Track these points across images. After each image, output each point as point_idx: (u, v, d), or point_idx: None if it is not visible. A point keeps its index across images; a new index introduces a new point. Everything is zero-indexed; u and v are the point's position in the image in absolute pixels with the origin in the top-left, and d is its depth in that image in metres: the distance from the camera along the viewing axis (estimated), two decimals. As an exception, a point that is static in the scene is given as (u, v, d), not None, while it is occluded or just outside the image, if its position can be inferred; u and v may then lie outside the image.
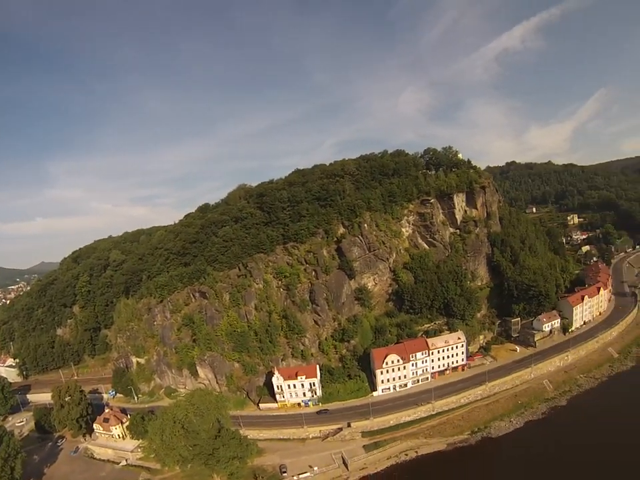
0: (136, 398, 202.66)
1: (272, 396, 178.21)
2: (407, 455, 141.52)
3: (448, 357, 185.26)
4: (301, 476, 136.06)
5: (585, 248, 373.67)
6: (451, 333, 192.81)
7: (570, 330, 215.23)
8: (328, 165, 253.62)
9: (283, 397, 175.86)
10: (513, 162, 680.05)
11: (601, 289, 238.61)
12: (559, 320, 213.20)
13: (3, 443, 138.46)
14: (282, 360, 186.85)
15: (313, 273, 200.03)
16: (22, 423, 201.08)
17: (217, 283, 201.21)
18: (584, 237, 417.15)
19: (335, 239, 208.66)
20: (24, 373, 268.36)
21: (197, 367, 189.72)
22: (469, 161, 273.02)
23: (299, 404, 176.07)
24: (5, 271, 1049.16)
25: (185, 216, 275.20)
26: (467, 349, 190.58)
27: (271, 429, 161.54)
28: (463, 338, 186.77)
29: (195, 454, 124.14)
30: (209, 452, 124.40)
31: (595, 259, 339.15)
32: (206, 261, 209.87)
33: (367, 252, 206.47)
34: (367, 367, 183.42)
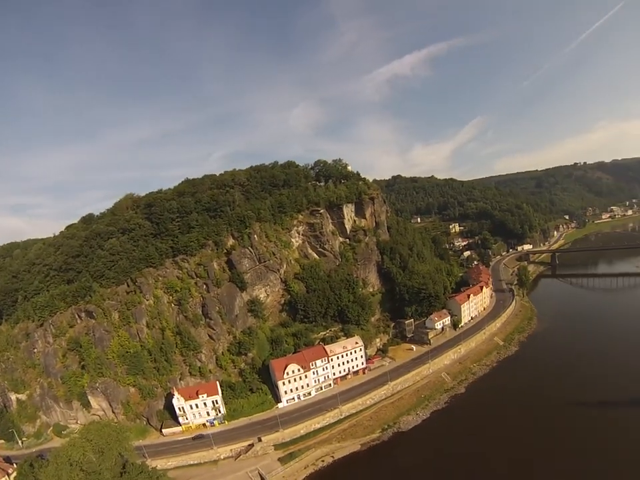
0: (20, 442, 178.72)
1: (174, 419, 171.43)
2: (323, 461, 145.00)
3: (348, 361, 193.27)
4: None
5: (467, 253, 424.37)
6: (347, 338, 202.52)
7: (460, 325, 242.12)
8: (218, 175, 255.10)
9: (186, 418, 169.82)
10: (399, 175, 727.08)
11: (484, 287, 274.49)
12: (449, 317, 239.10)
13: None
14: (180, 379, 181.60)
15: (204, 286, 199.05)
16: None
17: (104, 300, 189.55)
18: (465, 243, 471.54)
19: (225, 250, 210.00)
20: None
21: (89, 397, 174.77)
22: (358, 174, 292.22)
23: (204, 424, 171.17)
24: None
25: (67, 227, 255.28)
26: (366, 353, 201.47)
27: (179, 456, 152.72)
28: (360, 342, 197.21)
29: None
30: None
31: (475, 262, 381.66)
32: (91, 276, 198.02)
33: (258, 263, 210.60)
34: (268, 379, 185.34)
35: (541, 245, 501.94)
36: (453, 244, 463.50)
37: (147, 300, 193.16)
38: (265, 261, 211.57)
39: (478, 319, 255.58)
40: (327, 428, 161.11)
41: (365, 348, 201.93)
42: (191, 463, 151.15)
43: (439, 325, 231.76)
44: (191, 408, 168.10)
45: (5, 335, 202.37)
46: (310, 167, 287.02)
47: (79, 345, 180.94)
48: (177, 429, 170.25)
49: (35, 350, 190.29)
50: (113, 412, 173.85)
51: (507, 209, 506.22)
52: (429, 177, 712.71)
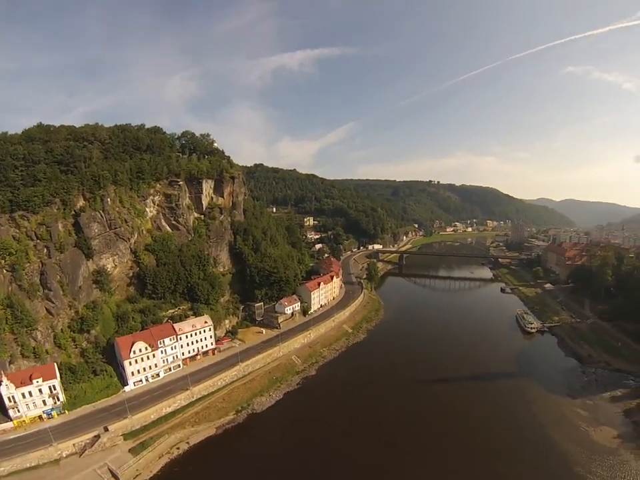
0: None
1: (4, 413, 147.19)
2: (178, 448, 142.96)
3: (197, 341, 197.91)
4: None
5: (318, 246, 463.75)
6: (196, 317, 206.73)
7: (309, 312, 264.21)
8: (78, 127, 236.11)
9: (19, 410, 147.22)
10: (261, 164, 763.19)
11: (334, 277, 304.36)
12: (299, 303, 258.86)
13: None
14: (10, 363, 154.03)
15: (45, 250, 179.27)
16: None
17: None
18: (317, 237, 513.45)
19: (73, 212, 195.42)
20: None
21: None
22: (222, 152, 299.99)
23: (40, 417, 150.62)
24: None
25: None
26: (215, 334, 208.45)
27: (12, 459, 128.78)
28: (210, 322, 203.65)
29: None
30: None
31: (327, 254, 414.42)
32: None
33: (108, 229, 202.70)
34: (113, 360, 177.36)
35: (391, 246, 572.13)
36: (306, 236, 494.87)
37: None
38: (115, 228, 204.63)
39: (327, 307, 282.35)
40: (179, 412, 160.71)
41: (215, 329, 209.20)
42: (28, 465, 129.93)
43: (288, 310, 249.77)
44: (24, 397, 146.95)
45: None
46: (177, 136, 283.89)
47: None
48: (8, 424, 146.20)
49: None
50: None
51: (362, 209, 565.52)
52: (291, 170, 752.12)
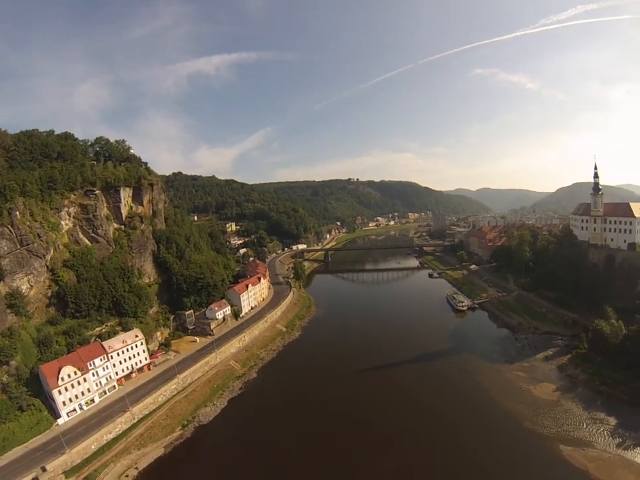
0: None
1: None
2: (127, 475, 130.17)
3: (130, 357, 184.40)
4: None
5: (243, 250, 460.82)
6: (126, 332, 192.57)
7: (241, 315, 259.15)
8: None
9: None
10: (180, 173, 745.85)
11: (262, 278, 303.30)
12: (229, 307, 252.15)
13: None
14: None
15: None
16: None
17: None
18: (241, 241, 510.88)
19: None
20: None
21: None
22: (139, 158, 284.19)
23: None
24: None
25: None
26: (148, 348, 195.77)
27: None
28: (141, 335, 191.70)
29: None
30: None
31: (252, 258, 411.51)
32: None
33: (19, 246, 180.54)
34: (40, 392, 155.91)
35: (315, 245, 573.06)
36: (230, 242, 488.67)
37: None
38: (28, 244, 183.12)
39: (258, 308, 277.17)
40: (122, 436, 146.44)
41: (147, 343, 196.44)
42: None
43: (219, 315, 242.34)
44: None
45: None
46: (90, 143, 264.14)
47: None
48: None
49: None
50: None
51: (283, 211, 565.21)
52: (210, 177, 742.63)
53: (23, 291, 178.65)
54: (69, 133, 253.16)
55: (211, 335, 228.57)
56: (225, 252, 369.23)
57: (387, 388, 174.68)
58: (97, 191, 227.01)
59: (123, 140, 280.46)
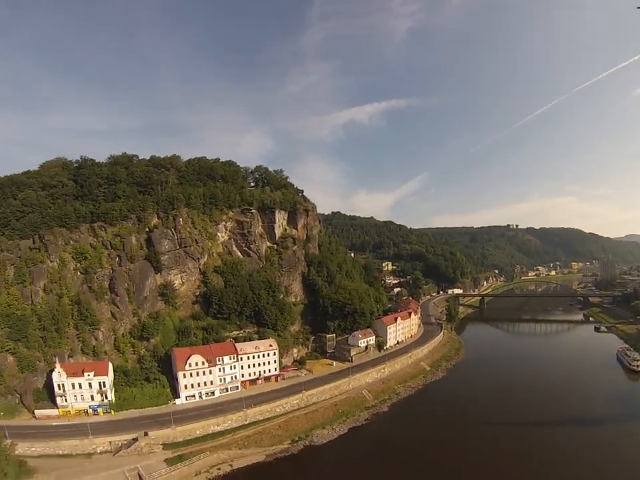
0: None
1: (52, 401, 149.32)
2: (219, 469, 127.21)
3: (260, 364, 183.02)
4: None
5: (397, 289, 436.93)
6: (261, 340, 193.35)
7: (385, 347, 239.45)
8: (162, 157, 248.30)
9: (66, 400, 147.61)
10: (338, 212, 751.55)
11: (412, 313, 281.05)
12: (374, 337, 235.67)
13: None
14: (69, 356, 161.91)
15: (117, 259, 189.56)
16: None
17: (2, 251, 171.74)
18: (396, 281, 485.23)
19: (147, 228, 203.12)
20: None
21: None
22: (296, 188, 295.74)
23: (86, 411, 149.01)
24: None
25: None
26: (281, 362, 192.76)
27: (47, 442, 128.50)
28: (275, 346, 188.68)
29: None
30: None
31: (405, 297, 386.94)
32: None
33: (178, 247, 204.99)
34: (168, 371, 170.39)
35: (471, 290, 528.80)
36: (385, 281, 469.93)
37: (52, 261, 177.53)
38: (186, 246, 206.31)
39: (404, 344, 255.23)
40: (228, 432, 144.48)
41: (281, 357, 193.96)
42: (60, 452, 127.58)
43: (362, 343, 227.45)
44: (73, 387, 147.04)
45: None
46: (250, 170, 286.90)
47: None
48: (54, 411, 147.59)
49: None
50: None
51: (440, 253, 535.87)
52: (369, 218, 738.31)
53: (175, 285, 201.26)
54: (232, 161, 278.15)
55: (349, 361, 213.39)
56: (378, 286, 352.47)
57: (535, 448, 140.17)
58: (254, 210, 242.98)
59: (281, 170, 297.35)
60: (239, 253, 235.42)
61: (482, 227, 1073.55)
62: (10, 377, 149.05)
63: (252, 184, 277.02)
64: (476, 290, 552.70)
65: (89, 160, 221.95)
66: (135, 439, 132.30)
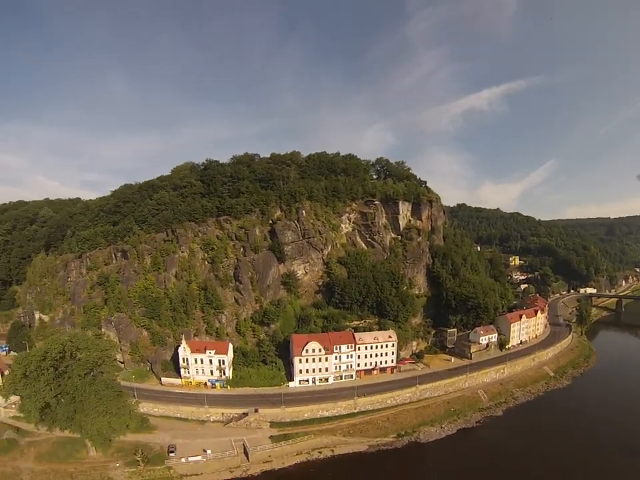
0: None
1: (177, 371, 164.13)
2: (320, 452, 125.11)
3: (376, 355, 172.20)
4: (190, 459, 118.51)
5: (524, 286, 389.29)
6: (380, 331, 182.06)
7: (507, 347, 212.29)
8: (282, 154, 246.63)
9: (189, 372, 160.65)
10: (464, 204, 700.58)
11: (539, 311, 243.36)
12: (496, 335, 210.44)
13: None
14: (194, 335, 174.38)
15: (242, 249, 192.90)
16: None
17: (140, 243, 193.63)
18: (523, 277, 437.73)
19: (271, 221, 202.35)
20: None
21: (103, 329, 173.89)
22: (419, 179, 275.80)
23: (205, 383, 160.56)
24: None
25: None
26: (399, 354, 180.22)
27: (167, 405, 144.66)
28: (394, 337, 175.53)
29: (60, 402, 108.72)
30: (78, 398, 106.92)
31: (531, 294, 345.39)
32: (135, 220, 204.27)
33: (301, 238, 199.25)
34: (285, 355, 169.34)
35: (607, 291, 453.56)
36: (511, 276, 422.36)
37: (182, 252, 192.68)
38: (309, 237, 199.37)
39: (528, 344, 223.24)
40: (336, 419, 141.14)
41: (399, 349, 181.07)
42: (178, 415, 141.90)
43: (483, 340, 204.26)
44: (195, 362, 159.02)
45: (47, 263, 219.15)
46: (372, 162, 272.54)
47: (107, 280, 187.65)
48: (177, 380, 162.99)
49: (69, 279, 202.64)
50: (121, 349, 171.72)
51: (572, 247, 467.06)
52: (495, 209, 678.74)
53: (298, 275, 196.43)
54: (353, 155, 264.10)
55: (468, 358, 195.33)
56: (504, 281, 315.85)
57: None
58: (377, 202, 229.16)
59: (402, 161, 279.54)
60: (363, 244, 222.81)
61: (620, 218, 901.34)
62: (144, 348, 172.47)
63: (374, 176, 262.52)
64: (612, 290, 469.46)
65: (214, 161, 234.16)
66: (245, 414, 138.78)
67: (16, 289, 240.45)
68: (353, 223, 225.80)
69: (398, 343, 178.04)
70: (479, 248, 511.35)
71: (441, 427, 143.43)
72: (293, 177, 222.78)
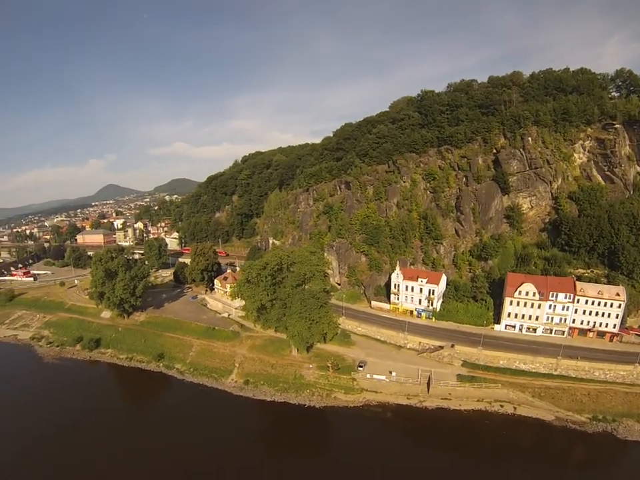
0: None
1: (388, 297, 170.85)
2: (502, 406, 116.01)
3: (597, 313, 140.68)
4: (375, 376, 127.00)
5: None
6: (607, 286, 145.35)
7: None
8: (501, 76, 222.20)
9: (398, 298, 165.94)
10: None
11: None
12: None
13: (135, 267, 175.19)
14: (411, 264, 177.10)
15: (464, 179, 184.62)
16: (167, 275, 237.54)
17: (363, 175, 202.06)
18: None
19: (494, 150, 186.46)
20: (182, 244, 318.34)
21: (325, 253, 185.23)
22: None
23: (411, 312, 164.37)
24: (191, 182, 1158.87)
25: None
26: (625, 317, 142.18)
27: (371, 326, 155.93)
28: (623, 296, 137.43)
29: (273, 305, 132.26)
30: (288, 304, 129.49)
31: None
32: (356, 155, 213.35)
33: (527, 168, 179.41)
34: (497, 295, 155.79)
35: None
36: None
37: (404, 182, 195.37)
38: (536, 168, 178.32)
39: None
40: (530, 375, 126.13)
41: (627, 313, 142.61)
42: (378, 337, 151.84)
43: None
44: (406, 289, 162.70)
45: (280, 197, 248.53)
46: (610, 77, 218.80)
47: (331, 209, 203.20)
48: (385, 305, 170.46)
49: (298, 210, 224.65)
50: (339, 272, 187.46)
51: None
52: None
53: (523, 209, 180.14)
54: (585, 69, 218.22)
55: None
56: None
57: None
58: (617, 125, 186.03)
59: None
60: (600, 178, 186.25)
61: None
62: (360, 272, 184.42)
63: (614, 93, 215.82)
64: None
65: (429, 91, 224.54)
66: (441, 347, 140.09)
67: (255, 221, 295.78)
68: (589, 152, 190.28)
69: (627, 304, 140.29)
70: None
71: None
72: (515, 100, 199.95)
